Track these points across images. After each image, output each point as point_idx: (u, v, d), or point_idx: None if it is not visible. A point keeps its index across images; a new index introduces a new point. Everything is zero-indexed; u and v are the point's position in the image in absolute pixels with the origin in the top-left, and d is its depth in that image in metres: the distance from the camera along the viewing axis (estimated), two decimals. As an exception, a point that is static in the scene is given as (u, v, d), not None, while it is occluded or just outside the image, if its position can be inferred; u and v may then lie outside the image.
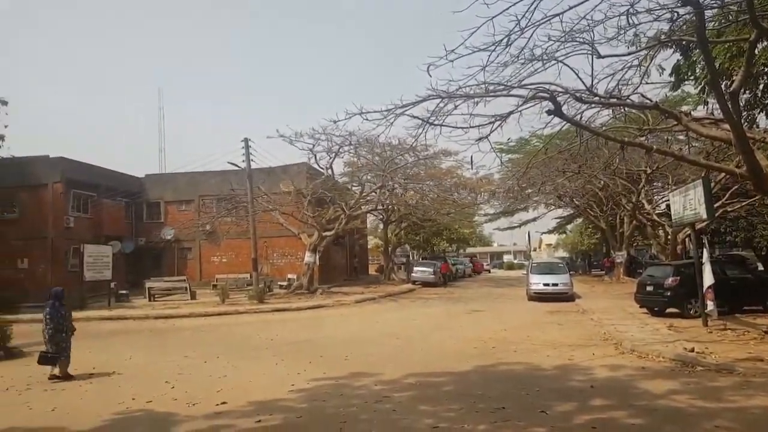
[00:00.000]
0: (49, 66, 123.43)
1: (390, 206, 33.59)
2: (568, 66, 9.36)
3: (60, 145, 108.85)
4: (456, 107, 9.68)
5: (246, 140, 25.72)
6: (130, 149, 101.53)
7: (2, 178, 25.73)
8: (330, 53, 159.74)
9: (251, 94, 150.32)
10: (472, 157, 29.87)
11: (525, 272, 31.18)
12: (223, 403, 7.22)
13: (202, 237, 31.98)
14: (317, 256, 27.02)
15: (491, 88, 9.45)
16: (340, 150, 26.67)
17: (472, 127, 9.65)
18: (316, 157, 26.68)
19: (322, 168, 27.77)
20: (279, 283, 27.96)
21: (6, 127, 25.30)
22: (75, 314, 19.33)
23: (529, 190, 29.41)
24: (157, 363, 10.46)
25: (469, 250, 75.26)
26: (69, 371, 9.34)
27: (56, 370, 9.20)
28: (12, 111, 25.38)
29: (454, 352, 10.90)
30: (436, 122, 9.75)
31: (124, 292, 24.90)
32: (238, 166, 25.82)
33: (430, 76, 8.46)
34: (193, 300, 24.07)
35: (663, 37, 9.82)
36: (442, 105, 9.52)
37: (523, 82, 9.59)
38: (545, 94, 9.41)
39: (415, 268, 34.95)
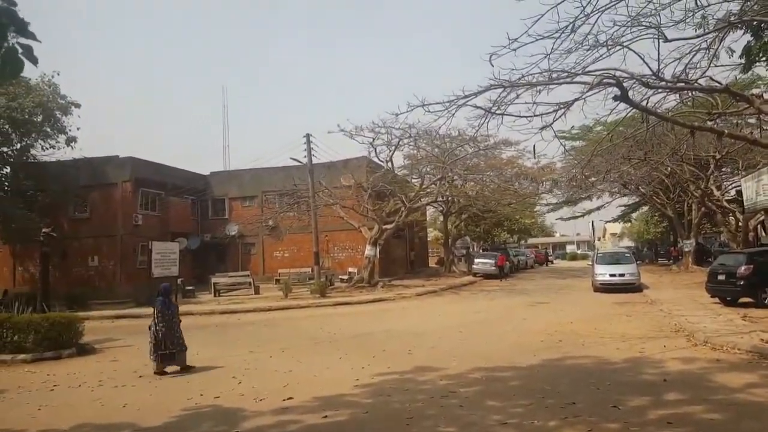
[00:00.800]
0: (117, 69, 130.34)
1: (450, 198, 33.44)
2: (634, 51, 9.08)
3: (128, 145, 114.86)
4: (518, 96, 9.57)
5: (307, 136, 26.31)
6: (195, 147, 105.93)
7: (74, 178, 26.92)
8: (393, 45, 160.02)
9: (313, 90, 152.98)
10: (534, 146, 29.38)
11: (590, 263, 30.34)
12: (290, 398, 7.34)
13: (265, 232, 32.90)
14: (378, 250, 27.31)
15: (555, 75, 9.29)
16: (400, 143, 26.76)
17: (535, 115, 9.51)
18: (376, 151, 26.91)
19: (382, 161, 27.97)
20: (340, 276, 28.46)
21: (78, 129, 26.68)
22: (143, 310, 20.68)
23: (593, 179, 28.55)
24: (223, 358, 10.72)
25: (531, 240, 73.85)
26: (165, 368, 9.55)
27: (174, 366, 9.51)
28: (83, 112, 26.65)
29: (520, 345, 10.81)
30: (498, 112, 9.67)
31: (190, 287, 25.98)
32: (300, 162, 26.45)
33: (492, 65, 8.43)
34: (256, 295, 24.83)
35: (733, 18, 9.31)
36: (504, 94, 9.43)
37: (588, 69, 9.37)
38: (611, 80, 9.13)
39: (476, 260, 34.63)
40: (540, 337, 11.57)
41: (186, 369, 9.60)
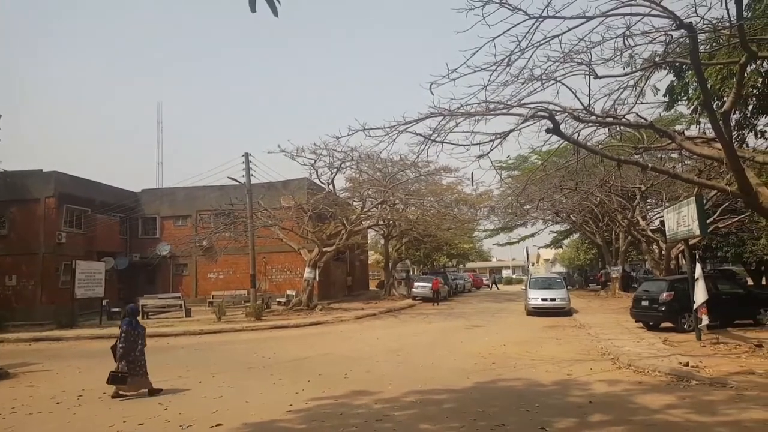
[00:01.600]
0: (45, 79, 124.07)
1: (391, 221, 33.70)
2: (567, 86, 9.60)
3: (57, 160, 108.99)
4: (457, 125, 9.88)
5: (246, 155, 25.91)
6: (127, 164, 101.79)
7: (-7, 192, 25.28)
8: (335, 69, 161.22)
9: (254, 109, 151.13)
10: (472, 173, 30.37)
11: (523, 287, 31.30)
12: (218, 425, 7.09)
13: (198, 253, 31.86)
14: (317, 272, 27.01)
15: (492, 106, 9.65)
16: (342, 165, 26.78)
17: (473, 144, 9.83)
18: (317, 173, 26.79)
19: (323, 183, 27.83)
20: (278, 299, 27.90)
21: None
22: (64, 333, 19.48)
23: (528, 206, 29.64)
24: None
25: (469, 264, 75.42)
26: (153, 386, 9.33)
27: (124, 389, 9.10)
28: (5, 124, 24.72)
29: (455, 368, 10.91)
30: (437, 139, 9.91)
31: (116, 309, 24.53)
32: (238, 181, 25.96)
33: (433, 94, 8.68)
34: (188, 317, 23.89)
35: (658, 58, 10.07)
36: (444, 122, 9.70)
37: (523, 101, 9.80)
38: (544, 113, 9.59)
39: (416, 284, 34.91)
40: (474, 360, 11.75)
41: (153, 392, 9.25)
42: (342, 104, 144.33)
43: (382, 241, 40.97)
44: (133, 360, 9.25)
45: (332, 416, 7.40)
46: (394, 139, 10.16)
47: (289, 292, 28.43)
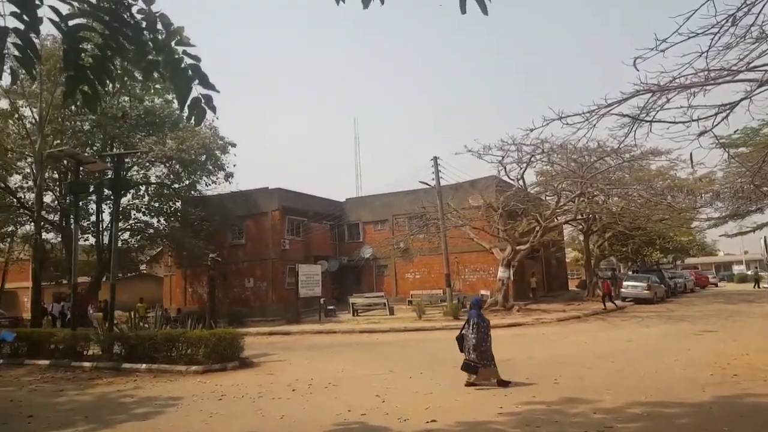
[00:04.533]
0: (262, 107, 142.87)
1: (590, 215, 31.33)
2: (811, 39, 7.77)
3: (272, 175, 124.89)
4: (668, 101, 8.65)
5: (435, 158, 26.52)
6: (331, 176, 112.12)
7: (232, 209, 30.16)
8: (526, 62, 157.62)
9: (438, 112, 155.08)
10: (691, 154, 26.47)
11: (766, 285, 26.51)
12: (433, 420, 7.23)
13: (396, 254, 33.62)
14: (511, 271, 26.33)
15: (713, 75, 8.25)
16: (532, 159, 25.81)
17: (693, 120, 8.48)
18: (506, 169, 26.29)
19: (512, 179, 27.19)
20: (473, 299, 27.89)
21: (234, 166, 29.70)
22: (291, 328, 22.03)
23: (766, 188, 24.97)
24: (366, 376, 10.96)
25: (689, 260, 66.54)
26: (501, 377, 9.46)
27: (473, 378, 9.47)
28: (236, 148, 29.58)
29: (685, 379, 9.57)
30: (646, 119, 8.81)
31: (331, 307, 27.36)
32: (428, 185, 26.70)
33: (638, 70, 7.69)
34: (391, 315, 25.27)
35: None
36: (653, 99, 8.57)
37: (753, 64, 8.19)
38: (786, 75, 7.88)
39: (625, 283, 31.74)
40: (709, 371, 10.16)
41: (502, 383, 9.35)
42: (531, 96, 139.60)
43: (581, 237, 38.29)
44: (484, 351, 9.55)
45: (547, 423, 7.01)
46: (594, 125, 9.26)
47: (483, 291, 28.13)
